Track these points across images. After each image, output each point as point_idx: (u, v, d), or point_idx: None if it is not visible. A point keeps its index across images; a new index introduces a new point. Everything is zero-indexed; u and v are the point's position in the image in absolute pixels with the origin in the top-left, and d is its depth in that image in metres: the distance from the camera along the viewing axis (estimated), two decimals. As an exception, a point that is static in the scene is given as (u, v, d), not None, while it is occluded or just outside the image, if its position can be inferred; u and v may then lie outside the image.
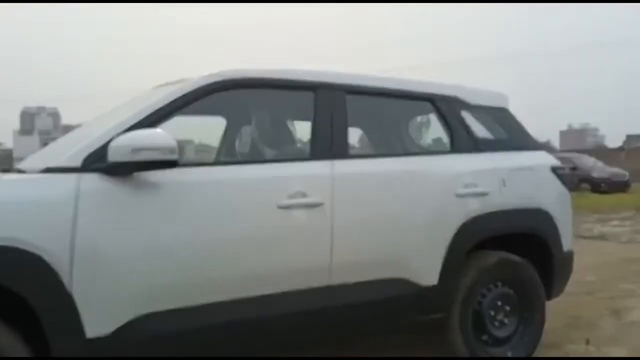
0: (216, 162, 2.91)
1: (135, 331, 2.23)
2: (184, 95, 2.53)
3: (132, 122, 2.37)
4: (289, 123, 3.26)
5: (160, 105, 2.47)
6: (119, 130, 2.30)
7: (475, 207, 3.10)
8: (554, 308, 4.44)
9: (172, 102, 2.50)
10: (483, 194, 3.13)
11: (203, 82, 2.61)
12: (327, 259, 2.67)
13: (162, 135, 2.24)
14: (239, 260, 2.48)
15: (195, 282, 2.37)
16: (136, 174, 2.28)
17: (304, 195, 2.64)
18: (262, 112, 3.19)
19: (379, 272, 2.83)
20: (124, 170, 2.25)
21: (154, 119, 2.43)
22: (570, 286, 3.73)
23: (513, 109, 3.66)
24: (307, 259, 2.64)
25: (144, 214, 2.29)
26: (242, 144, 3.26)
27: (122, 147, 2.19)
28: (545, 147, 3.72)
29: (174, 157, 2.23)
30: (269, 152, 3.02)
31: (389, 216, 2.87)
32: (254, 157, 3.05)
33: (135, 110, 2.47)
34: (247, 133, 3.23)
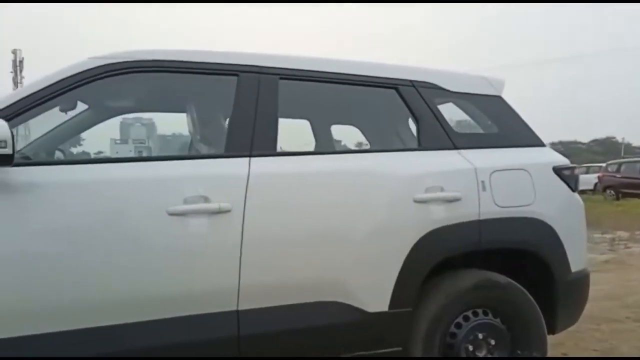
0: (88, 160, 2.50)
1: None
2: (60, 82, 2.16)
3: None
4: (203, 115, 2.80)
5: (27, 93, 2.10)
6: None
7: (440, 216, 2.49)
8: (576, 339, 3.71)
9: (43, 89, 2.12)
10: (452, 200, 2.52)
11: (85, 67, 2.22)
12: (233, 278, 2.18)
13: None
14: (107, 279, 2.04)
15: (40, 307, 1.97)
16: None
17: (205, 199, 2.17)
18: (169, 102, 2.76)
19: (306, 294, 2.30)
20: None
21: (17, 109, 2.06)
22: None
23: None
24: (205, 279, 2.16)
25: None
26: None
27: None
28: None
29: (7, 151, 1.85)
30: (175, 148, 2.59)
31: (320, 227, 2.33)
32: (158, 154, 2.62)
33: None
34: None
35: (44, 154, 2.85)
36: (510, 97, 2.92)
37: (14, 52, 22.50)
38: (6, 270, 1.93)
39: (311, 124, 3.54)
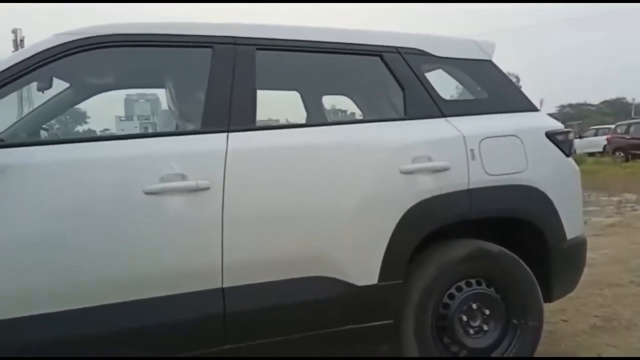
0: (61, 140, 2.43)
1: None
2: (25, 60, 2.09)
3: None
4: (180, 90, 2.72)
5: None
6: None
7: (428, 187, 2.42)
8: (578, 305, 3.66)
9: (8, 69, 2.06)
10: (440, 170, 2.44)
11: (51, 43, 2.15)
12: (216, 256, 2.14)
13: None
14: (80, 264, 2.00)
15: (13, 292, 1.95)
16: None
17: (182, 177, 2.12)
18: (147, 78, 2.68)
19: (292, 270, 2.25)
20: None
21: None
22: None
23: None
24: (186, 258, 2.12)
25: None
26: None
27: None
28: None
29: None
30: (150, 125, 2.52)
31: (303, 202, 2.27)
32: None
33: None
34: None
35: (26, 136, 2.80)
36: (524, 59, 2.81)
37: (14, 31, 22.30)
38: None
39: (301, 95, 3.46)
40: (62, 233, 1.99)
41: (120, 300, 2.04)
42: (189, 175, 2.12)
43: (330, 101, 3.82)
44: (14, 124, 2.92)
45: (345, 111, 4.21)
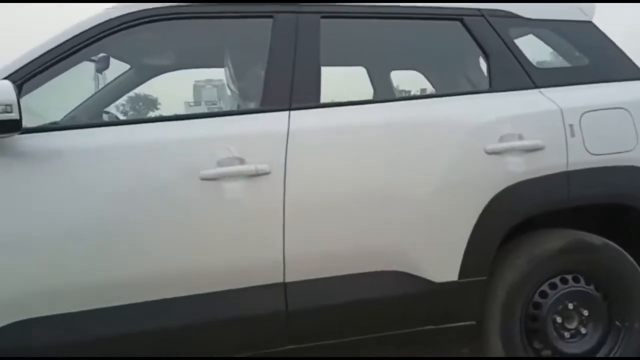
0: (107, 123, 2.28)
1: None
2: (74, 38, 1.94)
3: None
4: (239, 66, 2.51)
5: (38, 54, 1.90)
6: None
7: (519, 169, 2.09)
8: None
9: (56, 48, 1.92)
10: (533, 149, 2.12)
11: (105, 17, 1.99)
12: (277, 248, 1.93)
13: None
14: (137, 254, 1.85)
15: (80, 283, 1.81)
16: None
17: (241, 161, 1.92)
18: (205, 55, 2.48)
19: (362, 264, 2.02)
20: None
21: (30, 71, 1.88)
22: None
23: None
24: (244, 250, 1.92)
25: None
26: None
27: None
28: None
29: (13, 115, 1.66)
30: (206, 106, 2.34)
31: (374, 188, 2.01)
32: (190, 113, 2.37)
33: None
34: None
35: (87, 119, 2.72)
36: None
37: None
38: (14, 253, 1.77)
39: (368, 71, 3.19)
40: (113, 224, 1.84)
41: (177, 295, 1.88)
42: (247, 158, 1.92)
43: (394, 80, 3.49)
44: (75, 108, 2.85)
45: (409, 92, 3.89)
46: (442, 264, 2.06)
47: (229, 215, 1.91)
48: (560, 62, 2.49)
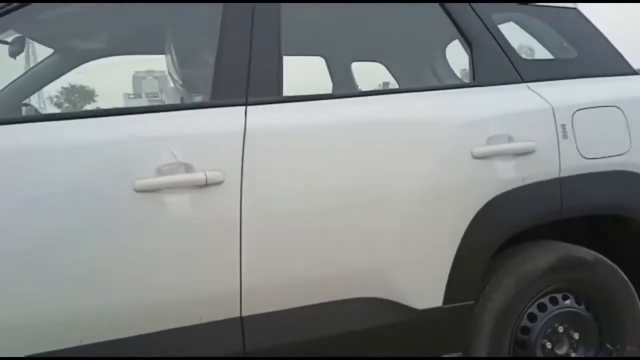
0: (23, 119, 1.85)
1: None
2: None
3: None
4: (184, 53, 2.12)
5: None
6: None
7: (508, 176, 1.83)
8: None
9: None
10: (524, 153, 1.85)
11: None
12: (232, 275, 1.58)
13: None
14: (52, 288, 1.44)
15: None
16: None
17: (187, 168, 1.54)
18: (141, 39, 2.09)
19: (332, 291, 1.69)
20: None
21: None
22: None
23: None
24: (190, 280, 1.55)
25: None
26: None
27: None
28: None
29: None
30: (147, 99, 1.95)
31: (345, 199, 1.69)
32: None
33: None
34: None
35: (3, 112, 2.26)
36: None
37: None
38: None
39: (326, 61, 2.86)
40: (22, 243, 1.43)
41: (106, 339, 1.49)
42: (194, 164, 1.55)
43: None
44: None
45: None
46: (425, 287, 1.77)
47: (170, 236, 1.53)
48: (543, 53, 2.24)
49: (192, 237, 1.54)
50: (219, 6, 1.72)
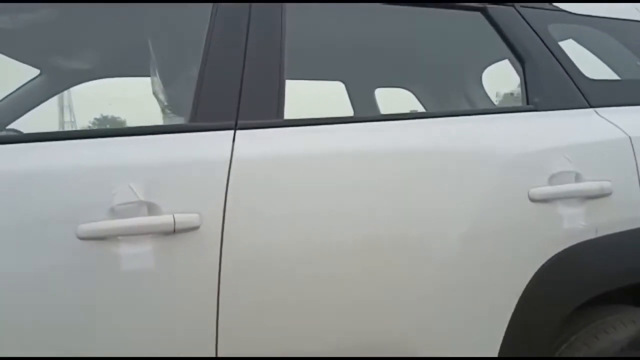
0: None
1: None
2: None
3: None
4: (167, 67, 1.77)
5: None
6: None
7: (577, 225, 1.41)
8: None
9: None
10: (597, 195, 1.43)
11: None
12: (206, 347, 1.18)
13: None
14: None
15: None
16: None
17: (151, 209, 1.17)
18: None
19: None
20: None
21: None
22: None
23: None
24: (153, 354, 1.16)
25: None
26: None
27: None
28: None
29: None
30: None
31: (361, 250, 1.28)
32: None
33: None
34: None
35: None
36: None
37: None
38: None
39: (346, 87, 2.50)
40: None
41: None
42: (162, 205, 1.17)
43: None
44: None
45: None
46: None
47: (128, 297, 1.14)
48: (611, 71, 1.84)
49: (157, 299, 1.15)
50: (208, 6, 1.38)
